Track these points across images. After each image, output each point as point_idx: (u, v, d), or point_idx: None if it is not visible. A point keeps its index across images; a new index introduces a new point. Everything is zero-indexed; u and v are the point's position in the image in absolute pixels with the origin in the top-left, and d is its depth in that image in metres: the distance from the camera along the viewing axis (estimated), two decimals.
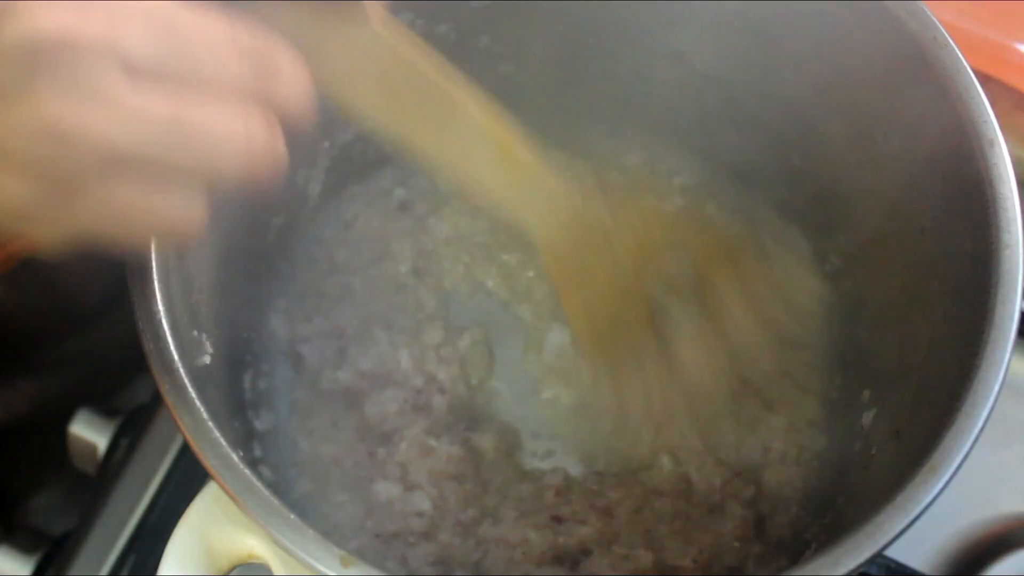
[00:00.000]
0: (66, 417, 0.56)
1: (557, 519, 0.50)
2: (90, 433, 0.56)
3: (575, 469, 0.52)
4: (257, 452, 0.49)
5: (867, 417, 0.47)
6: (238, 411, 0.49)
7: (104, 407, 0.57)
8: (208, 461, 0.35)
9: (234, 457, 0.35)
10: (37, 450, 0.61)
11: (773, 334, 0.52)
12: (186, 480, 0.54)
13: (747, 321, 0.51)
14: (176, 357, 0.36)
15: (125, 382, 0.61)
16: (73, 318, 0.60)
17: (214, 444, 0.35)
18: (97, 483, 0.55)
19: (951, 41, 0.42)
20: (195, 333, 0.40)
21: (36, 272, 0.56)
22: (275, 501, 0.34)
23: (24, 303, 0.57)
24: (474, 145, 0.42)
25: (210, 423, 0.35)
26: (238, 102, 0.29)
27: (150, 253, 0.38)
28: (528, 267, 0.56)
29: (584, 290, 0.49)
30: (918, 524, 0.35)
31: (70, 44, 0.26)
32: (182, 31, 0.28)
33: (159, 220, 0.29)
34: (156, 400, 0.56)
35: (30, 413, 0.60)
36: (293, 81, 0.30)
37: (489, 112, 0.42)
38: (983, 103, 0.41)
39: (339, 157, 0.54)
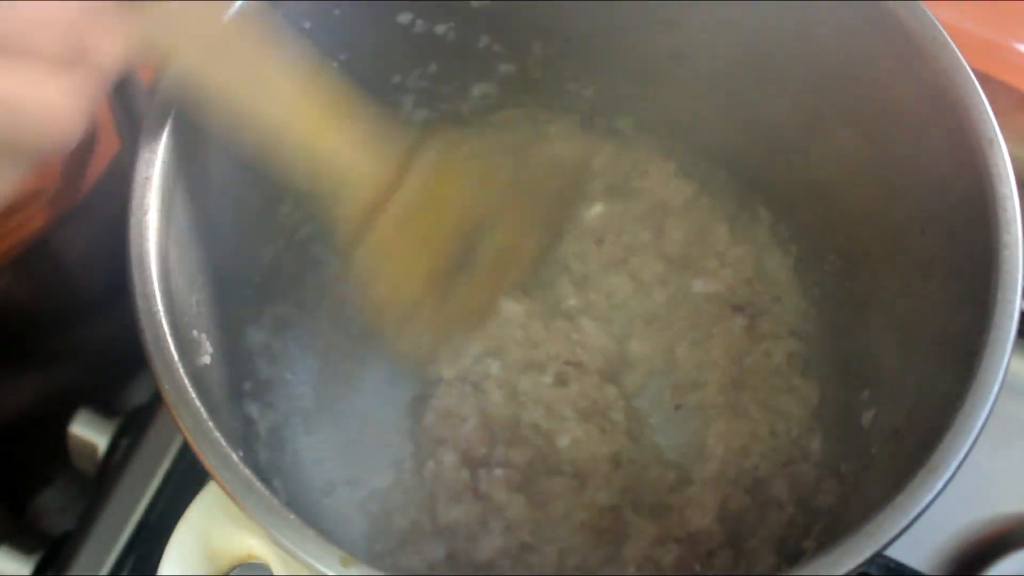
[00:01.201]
0: (66, 417, 0.56)
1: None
2: (90, 433, 0.56)
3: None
4: (258, 452, 0.49)
5: (867, 417, 0.47)
6: (238, 411, 0.49)
7: (104, 407, 0.57)
8: (208, 461, 0.35)
9: (234, 457, 0.35)
10: (37, 450, 0.61)
11: None
12: (186, 480, 0.54)
13: None
14: (176, 357, 0.36)
15: (125, 381, 0.61)
16: (75, 309, 0.60)
17: (214, 444, 0.35)
18: (97, 483, 0.55)
19: (951, 41, 0.42)
20: (195, 333, 0.40)
21: (40, 261, 0.56)
22: (275, 501, 0.34)
23: (27, 293, 0.57)
24: (281, 102, 0.41)
25: (210, 423, 0.35)
26: (53, 69, 0.29)
27: (150, 253, 0.38)
28: None
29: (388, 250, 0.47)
30: (918, 524, 0.35)
31: None
32: None
33: None
34: (156, 400, 0.56)
35: (32, 408, 0.60)
36: (119, 45, 0.31)
37: (297, 69, 0.41)
38: (983, 103, 0.41)
39: None
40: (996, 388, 0.36)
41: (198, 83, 0.38)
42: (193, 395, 0.36)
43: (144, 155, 0.39)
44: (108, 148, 0.58)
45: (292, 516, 0.34)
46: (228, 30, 0.40)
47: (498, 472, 0.51)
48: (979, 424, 0.36)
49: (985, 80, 0.41)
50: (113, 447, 0.55)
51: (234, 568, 0.40)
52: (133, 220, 0.38)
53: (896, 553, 0.52)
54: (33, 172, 0.32)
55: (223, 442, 0.35)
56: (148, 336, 0.36)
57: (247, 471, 0.35)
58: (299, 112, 0.41)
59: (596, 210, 0.57)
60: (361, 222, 0.46)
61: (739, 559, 0.50)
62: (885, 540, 0.34)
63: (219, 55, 0.39)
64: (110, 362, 0.58)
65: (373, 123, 0.43)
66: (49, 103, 0.29)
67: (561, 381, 0.54)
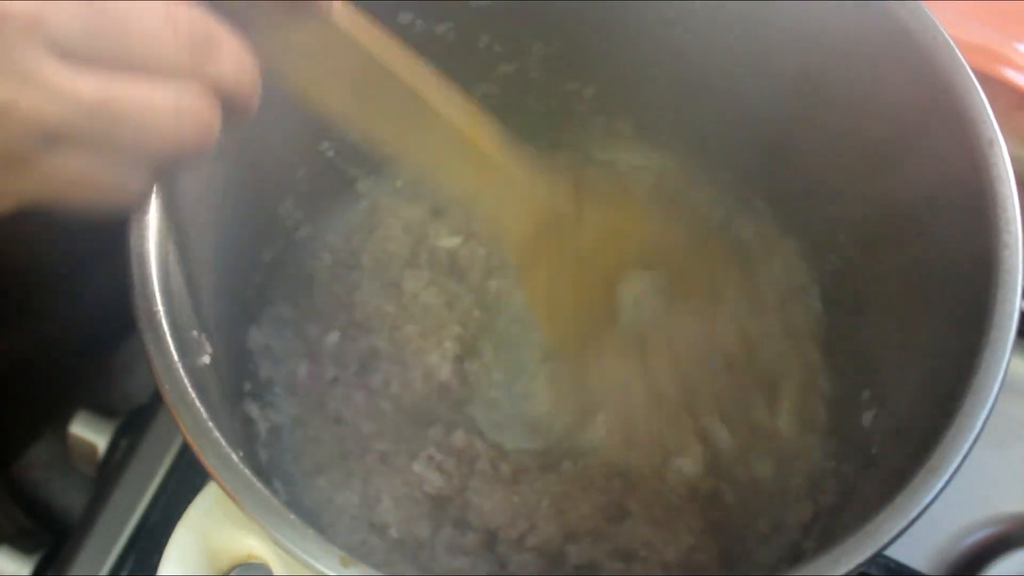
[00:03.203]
0: (66, 417, 0.56)
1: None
2: (90, 433, 0.56)
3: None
4: (258, 452, 0.49)
5: (867, 417, 0.47)
6: (238, 411, 0.49)
7: (104, 407, 0.57)
8: (208, 461, 0.35)
9: (234, 457, 0.35)
10: (37, 450, 0.61)
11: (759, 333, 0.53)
12: (186, 480, 0.54)
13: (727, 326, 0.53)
14: (176, 357, 0.36)
15: (125, 379, 0.61)
16: (66, 261, 0.59)
17: (214, 444, 0.35)
18: (97, 483, 0.55)
19: (951, 41, 0.42)
20: (195, 333, 0.40)
21: (33, 216, 0.55)
22: (275, 501, 0.34)
23: (20, 244, 0.57)
24: (441, 141, 0.42)
25: (210, 423, 0.35)
26: (171, 80, 0.30)
27: (150, 253, 0.38)
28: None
29: (549, 281, 0.50)
30: (918, 524, 0.35)
31: None
32: (113, 11, 0.28)
33: (102, 190, 0.30)
34: (156, 400, 0.56)
35: (26, 359, 0.59)
36: (233, 61, 0.31)
37: (458, 106, 0.41)
38: (983, 103, 0.41)
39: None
40: (996, 388, 0.36)
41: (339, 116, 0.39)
42: (193, 395, 0.36)
43: None
44: None
45: (292, 516, 0.34)
46: (365, 61, 0.38)
47: (504, 467, 0.51)
48: (979, 424, 0.36)
49: (985, 80, 0.41)
50: (113, 447, 0.56)
51: (234, 568, 0.40)
52: (133, 220, 0.38)
53: (896, 553, 0.52)
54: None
55: (223, 442, 0.35)
56: (148, 336, 0.36)
57: (247, 471, 0.35)
58: (459, 153, 0.42)
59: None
60: (525, 248, 0.48)
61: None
62: (885, 540, 0.34)
63: (359, 89, 0.38)
64: (102, 316, 0.57)
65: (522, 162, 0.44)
66: (162, 109, 0.29)
67: None
